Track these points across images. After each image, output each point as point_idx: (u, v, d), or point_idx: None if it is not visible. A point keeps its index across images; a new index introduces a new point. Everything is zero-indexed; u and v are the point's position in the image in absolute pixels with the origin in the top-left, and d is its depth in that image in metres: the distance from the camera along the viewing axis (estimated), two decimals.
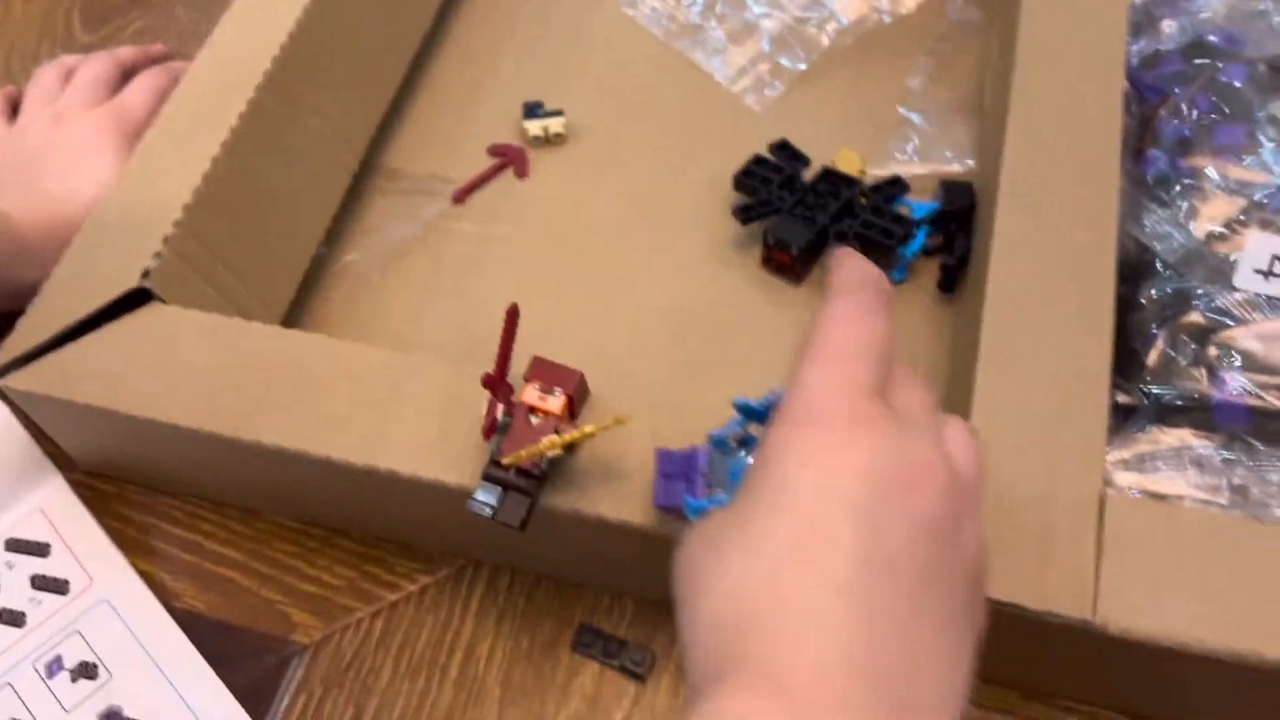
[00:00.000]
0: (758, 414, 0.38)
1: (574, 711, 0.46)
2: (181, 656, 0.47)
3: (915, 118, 0.61)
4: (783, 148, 0.59)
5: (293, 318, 0.55)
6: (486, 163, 0.60)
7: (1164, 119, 0.54)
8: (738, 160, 0.57)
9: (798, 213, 0.55)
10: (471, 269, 0.57)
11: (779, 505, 0.30)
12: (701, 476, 0.39)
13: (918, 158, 0.59)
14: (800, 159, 0.58)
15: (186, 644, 0.48)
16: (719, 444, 0.39)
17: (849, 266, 0.35)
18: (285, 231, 0.54)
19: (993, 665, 0.45)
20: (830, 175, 0.57)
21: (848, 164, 0.60)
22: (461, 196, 0.59)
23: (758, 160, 0.58)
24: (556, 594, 0.48)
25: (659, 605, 0.48)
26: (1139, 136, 0.54)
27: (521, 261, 0.57)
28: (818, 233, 0.55)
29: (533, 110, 0.60)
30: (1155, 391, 0.48)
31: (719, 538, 0.31)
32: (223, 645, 0.48)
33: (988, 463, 0.40)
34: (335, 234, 0.58)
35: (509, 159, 0.60)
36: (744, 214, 0.56)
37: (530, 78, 0.63)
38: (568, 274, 0.56)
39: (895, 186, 0.57)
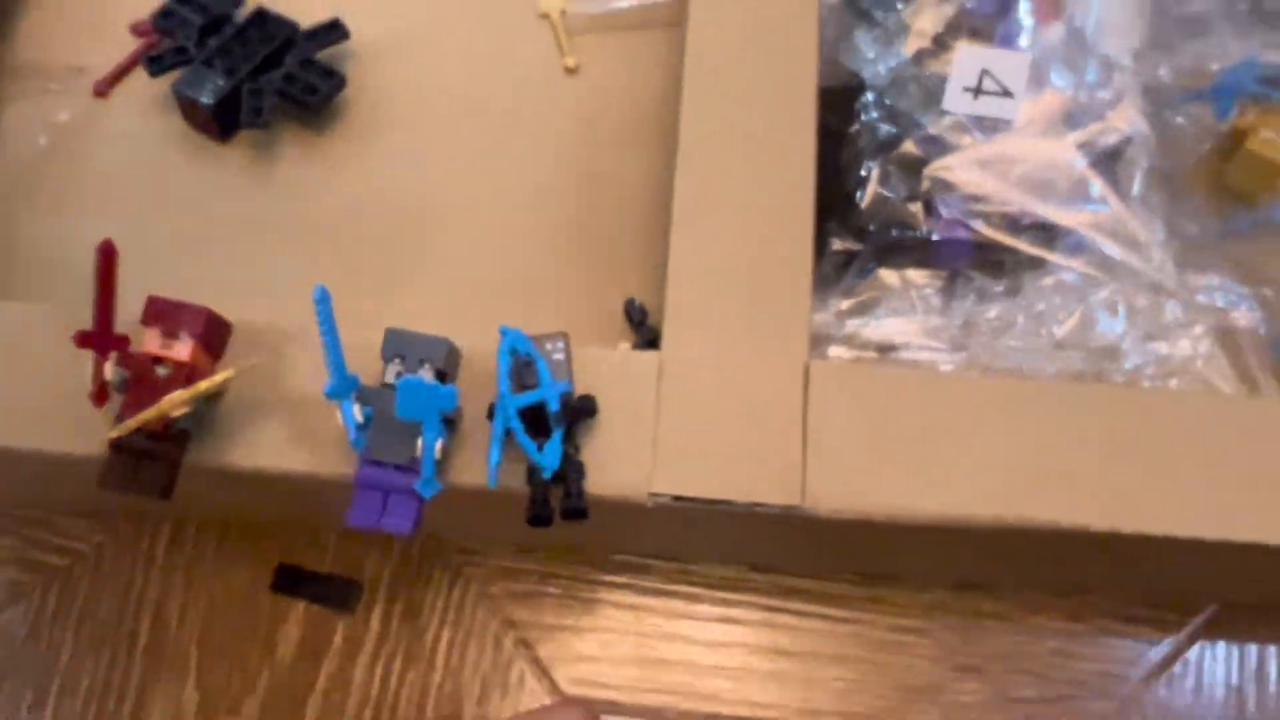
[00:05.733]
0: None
1: (281, 658, 0.42)
2: None
3: None
4: None
5: None
6: (131, 44, 0.52)
7: None
8: None
9: (217, 63, 0.49)
10: (124, 175, 0.49)
11: None
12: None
13: None
14: None
15: None
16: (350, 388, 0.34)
17: None
18: None
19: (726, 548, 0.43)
20: (264, 17, 0.50)
21: (548, 1, 0.54)
22: (105, 88, 0.51)
23: None
24: (249, 537, 0.44)
25: (361, 535, 0.44)
26: None
27: (170, 163, 0.50)
28: (233, 87, 0.48)
29: None
30: (872, 233, 0.45)
31: None
32: None
33: (691, 340, 0.38)
34: None
35: (153, 39, 0.52)
36: (153, 64, 0.49)
37: None
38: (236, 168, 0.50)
39: (334, 32, 0.50)
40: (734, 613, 0.43)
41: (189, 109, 0.49)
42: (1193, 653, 0.43)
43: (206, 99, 0.48)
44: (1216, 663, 0.43)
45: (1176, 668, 0.43)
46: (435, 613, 0.43)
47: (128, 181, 0.49)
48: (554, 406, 0.34)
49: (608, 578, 0.44)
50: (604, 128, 0.50)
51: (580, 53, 0.52)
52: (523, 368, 0.35)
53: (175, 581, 0.43)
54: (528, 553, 0.44)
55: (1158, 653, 0.43)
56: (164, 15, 0.50)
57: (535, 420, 0.35)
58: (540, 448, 0.34)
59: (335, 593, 0.43)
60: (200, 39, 0.49)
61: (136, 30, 0.52)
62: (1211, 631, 0.43)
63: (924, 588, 0.44)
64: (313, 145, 0.50)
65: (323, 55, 0.50)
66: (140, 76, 0.51)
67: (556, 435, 0.35)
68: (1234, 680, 0.42)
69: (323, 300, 0.33)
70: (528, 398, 0.34)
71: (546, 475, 0.34)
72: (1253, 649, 0.43)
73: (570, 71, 0.52)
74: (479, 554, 0.44)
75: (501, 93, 0.51)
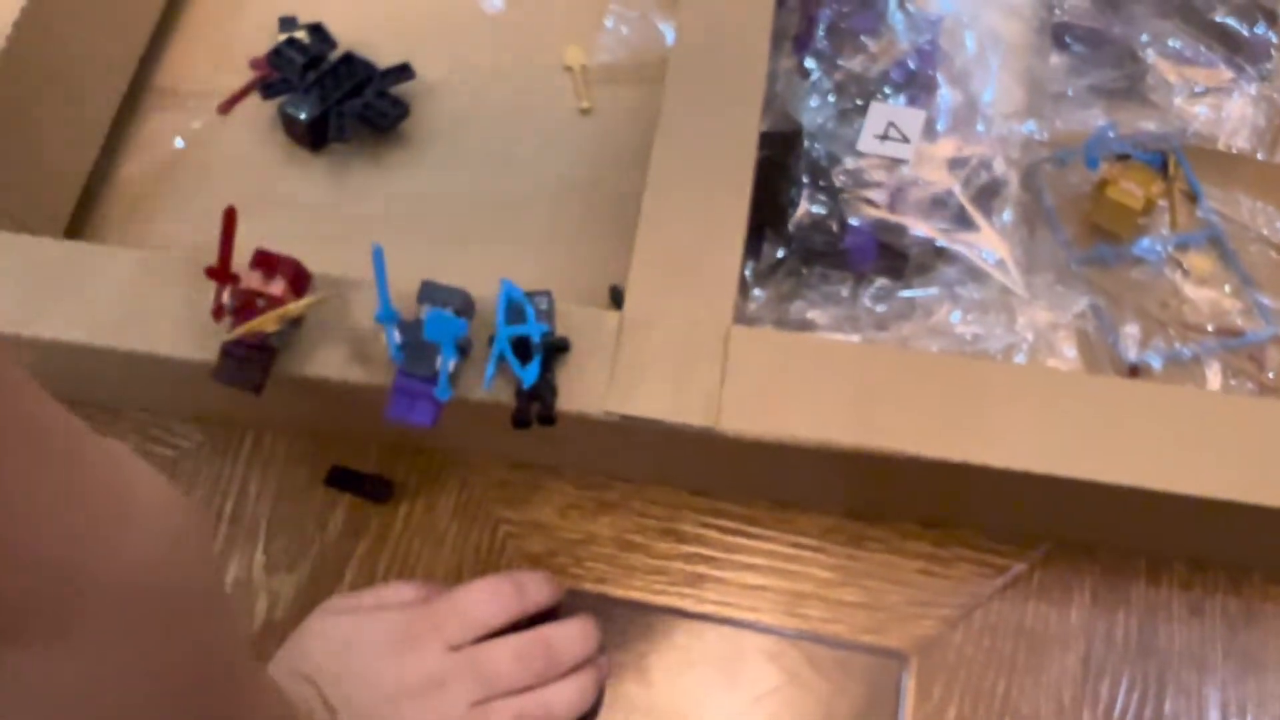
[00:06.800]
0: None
1: (329, 534, 0.56)
2: None
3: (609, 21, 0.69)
4: (316, 30, 0.66)
5: (77, 225, 0.63)
6: (248, 75, 0.67)
7: (818, 9, 0.62)
8: None
9: (313, 92, 0.63)
10: (239, 171, 0.64)
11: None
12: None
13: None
14: (328, 42, 0.66)
15: None
16: (393, 317, 0.48)
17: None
18: (59, 152, 0.62)
19: (666, 471, 0.55)
20: (350, 59, 0.65)
21: (573, 57, 0.68)
22: (227, 107, 0.66)
23: (290, 41, 0.65)
24: (311, 444, 0.58)
25: (396, 446, 0.57)
26: (800, 26, 0.63)
27: (275, 164, 0.65)
28: (324, 110, 0.63)
29: (287, 24, 0.67)
30: (800, 241, 0.58)
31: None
32: None
33: (645, 305, 0.50)
34: (114, 149, 0.65)
35: (266, 72, 0.67)
36: (265, 90, 0.64)
37: None
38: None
39: (403, 73, 0.65)
40: (674, 526, 0.56)
41: (290, 125, 0.64)
42: (1032, 578, 0.55)
43: (304, 117, 0.63)
44: (1048, 587, 0.55)
45: (1016, 588, 0.54)
46: (447, 509, 0.57)
47: (241, 176, 0.64)
48: (535, 339, 0.48)
49: (578, 492, 0.57)
50: (605, 155, 0.64)
51: (592, 98, 0.66)
52: (516, 312, 0.49)
53: (254, 473, 0.57)
54: (518, 469, 0.57)
55: (1003, 577, 0.55)
56: (275, 54, 0.66)
57: (523, 351, 0.49)
58: (523, 368, 0.48)
59: (374, 489, 0.56)
60: (302, 73, 0.65)
61: (253, 64, 0.67)
62: (1047, 562, 0.55)
63: (821, 514, 0.56)
64: (379, 156, 0.65)
65: (393, 89, 0.65)
66: (254, 99, 0.66)
67: (536, 359, 0.48)
68: (1060, 600, 0.54)
69: (378, 255, 0.47)
70: (517, 330, 0.48)
71: (526, 386, 0.48)
72: (1078, 578, 0.55)
73: (584, 112, 0.66)
74: (482, 468, 0.57)
75: (529, 124, 0.66)
